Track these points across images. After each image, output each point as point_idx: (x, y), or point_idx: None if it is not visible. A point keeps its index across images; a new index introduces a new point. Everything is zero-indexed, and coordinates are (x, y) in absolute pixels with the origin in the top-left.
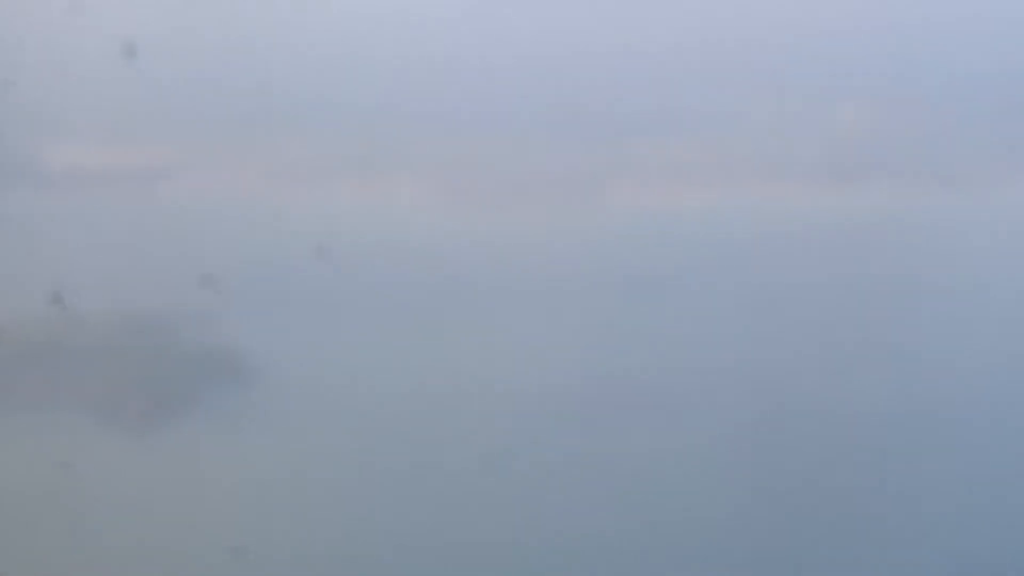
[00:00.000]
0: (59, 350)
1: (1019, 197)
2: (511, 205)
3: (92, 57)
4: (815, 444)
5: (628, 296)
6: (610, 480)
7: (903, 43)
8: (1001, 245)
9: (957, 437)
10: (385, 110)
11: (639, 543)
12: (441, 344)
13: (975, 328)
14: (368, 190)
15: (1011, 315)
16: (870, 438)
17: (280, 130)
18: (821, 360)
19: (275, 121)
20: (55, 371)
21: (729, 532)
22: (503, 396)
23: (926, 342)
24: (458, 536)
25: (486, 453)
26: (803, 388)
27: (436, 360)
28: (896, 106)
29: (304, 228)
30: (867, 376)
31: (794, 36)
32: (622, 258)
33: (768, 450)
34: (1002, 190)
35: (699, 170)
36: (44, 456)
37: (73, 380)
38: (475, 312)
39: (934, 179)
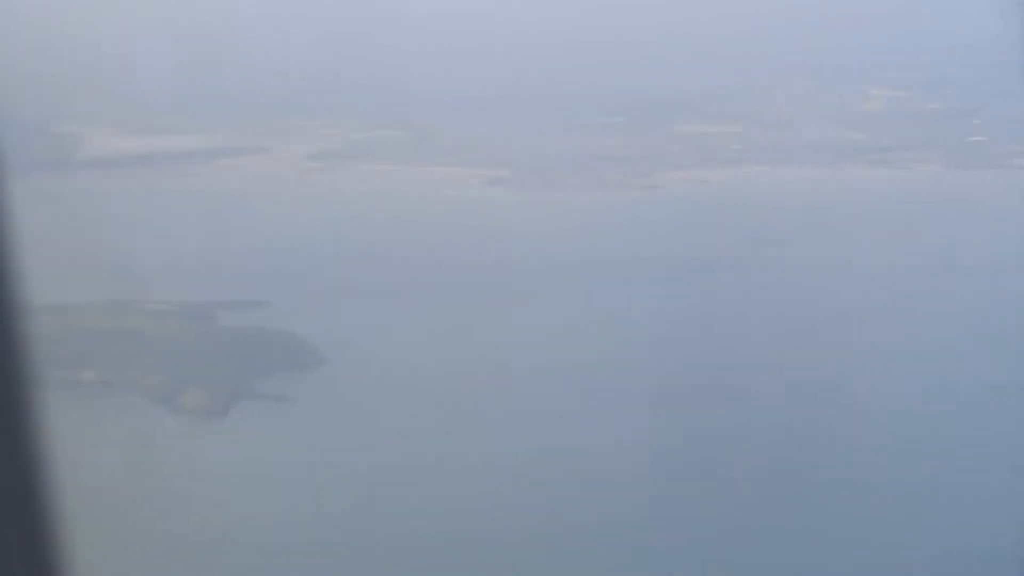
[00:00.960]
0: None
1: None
2: (548, 186)
3: (122, 43)
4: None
5: (666, 278)
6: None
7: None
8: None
9: (924, 418)
10: (423, 95)
11: (620, 530)
12: (469, 329)
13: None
14: (408, 173)
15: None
16: (844, 424)
17: (317, 116)
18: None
19: (310, 107)
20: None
21: (700, 518)
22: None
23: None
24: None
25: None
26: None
27: (461, 346)
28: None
29: (344, 212)
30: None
31: (806, 22)
32: (663, 238)
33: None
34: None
35: (729, 150)
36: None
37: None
38: (520, 295)
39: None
